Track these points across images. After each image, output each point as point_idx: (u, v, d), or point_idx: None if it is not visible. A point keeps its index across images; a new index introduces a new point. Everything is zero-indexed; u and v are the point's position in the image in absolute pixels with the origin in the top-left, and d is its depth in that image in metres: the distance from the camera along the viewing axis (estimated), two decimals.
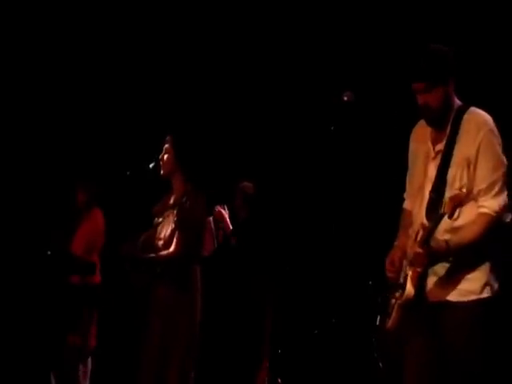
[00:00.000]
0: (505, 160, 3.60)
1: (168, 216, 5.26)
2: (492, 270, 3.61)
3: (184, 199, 5.23)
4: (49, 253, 5.68)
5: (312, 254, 6.90)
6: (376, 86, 6.56)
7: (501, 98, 5.93)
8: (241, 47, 7.29)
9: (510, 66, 6.17)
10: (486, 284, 3.59)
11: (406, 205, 3.94)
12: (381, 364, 4.22)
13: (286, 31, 7.13)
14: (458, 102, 3.72)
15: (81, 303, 5.70)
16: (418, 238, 3.56)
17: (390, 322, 3.70)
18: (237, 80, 7.31)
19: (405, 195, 3.98)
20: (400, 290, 3.64)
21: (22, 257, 5.87)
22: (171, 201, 5.33)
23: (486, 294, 3.58)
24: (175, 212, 5.22)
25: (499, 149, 3.60)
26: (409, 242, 3.71)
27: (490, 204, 3.53)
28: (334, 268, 6.56)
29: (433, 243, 3.52)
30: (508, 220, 3.59)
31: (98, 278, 5.83)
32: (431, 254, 3.52)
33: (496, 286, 3.62)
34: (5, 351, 6.01)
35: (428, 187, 3.68)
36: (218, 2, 7.26)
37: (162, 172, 5.31)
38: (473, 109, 3.69)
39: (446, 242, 3.52)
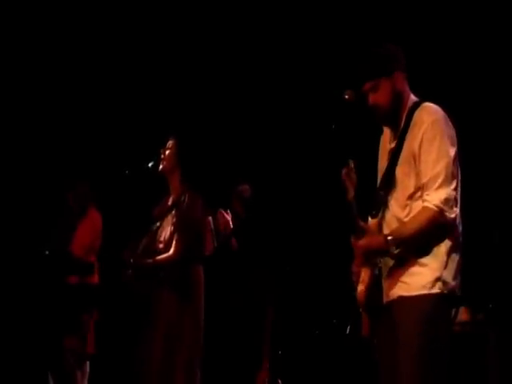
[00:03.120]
0: (450, 151, 3.45)
1: (167, 218, 5.25)
2: (448, 266, 3.46)
3: (182, 199, 5.21)
4: (47, 253, 5.67)
5: (313, 254, 6.88)
6: None
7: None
8: (241, 48, 7.28)
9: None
10: (438, 279, 3.43)
11: None
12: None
13: (285, 31, 7.11)
14: (413, 98, 3.63)
15: (79, 304, 5.68)
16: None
17: (363, 329, 3.70)
18: (236, 80, 7.30)
19: None
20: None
21: (20, 257, 5.85)
22: (169, 202, 5.31)
23: (436, 290, 3.43)
24: (173, 213, 5.21)
25: (444, 139, 3.45)
26: None
27: (432, 198, 3.39)
28: (334, 268, 6.54)
29: (368, 237, 3.50)
30: (452, 216, 3.43)
31: (95, 278, 5.82)
32: (365, 245, 3.50)
33: (453, 282, 3.47)
34: (2, 352, 5.98)
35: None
36: (218, 4, 7.25)
37: (160, 167, 5.27)
38: (425, 104, 3.58)
39: (385, 236, 3.45)
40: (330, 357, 6.65)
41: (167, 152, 5.27)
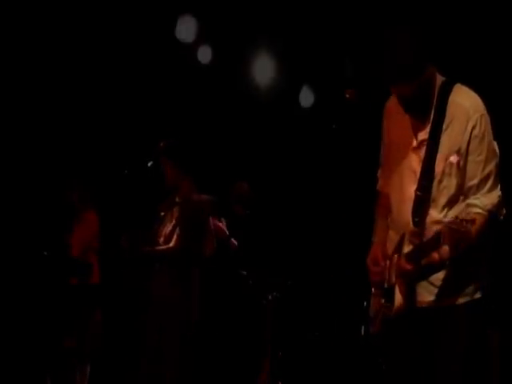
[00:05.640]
0: (497, 149, 3.23)
1: (172, 212, 5.28)
2: (484, 270, 3.30)
3: (189, 197, 5.25)
4: (45, 253, 5.67)
5: (313, 254, 6.88)
6: (377, 84, 6.51)
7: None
8: (237, 45, 7.27)
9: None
10: (479, 284, 3.28)
11: (381, 186, 3.55)
12: (384, 367, 4.15)
13: (285, 29, 7.10)
14: (440, 78, 3.28)
15: (79, 304, 5.68)
16: (406, 250, 3.23)
17: (374, 327, 3.44)
18: (235, 78, 7.29)
19: (379, 174, 3.58)
20: (385, 298, 3.33)
21: (18, 258, 5.84)
22: (177, 198, 5.35)
23: (478, 295, 3.27)
24: (179, 209, 5.24)
25: (491, 135, 3.20)
26: (390, 234, 3.40)
27: (483, 203, 3.14)
28: (335, 269, 6.53)
29: (423, 260, 3.16)
30: (502, 217, 3.22)
31: (96, 278, 5.82)
32: (421, 270, 3.19)
33: (486, 282, 3.30)
34: (2, 353, 5.97)
35: (411, 182, 3.29)
36: (213, 5, 7.24)
37: (168, 185, 5.30)
38: (458, 87, 3.26)
39: (439, 254, 3.12)
40: (331, 358, 6.64)
41: (167, 170, 5.27)
